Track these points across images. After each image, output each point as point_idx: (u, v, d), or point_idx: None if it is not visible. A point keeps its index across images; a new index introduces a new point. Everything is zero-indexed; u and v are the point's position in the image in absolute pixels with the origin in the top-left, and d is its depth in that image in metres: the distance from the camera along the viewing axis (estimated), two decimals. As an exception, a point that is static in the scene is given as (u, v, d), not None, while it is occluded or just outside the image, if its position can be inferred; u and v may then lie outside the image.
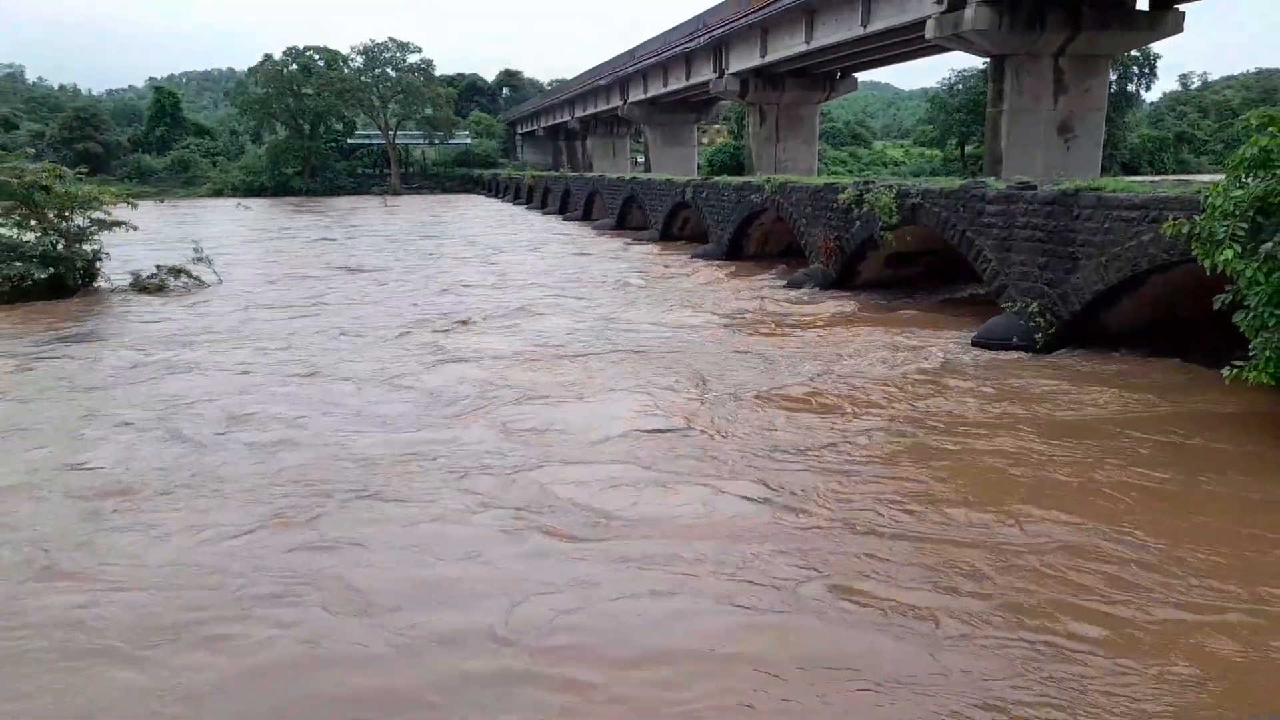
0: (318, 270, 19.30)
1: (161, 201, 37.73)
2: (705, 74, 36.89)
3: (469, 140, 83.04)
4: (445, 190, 72.30)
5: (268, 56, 72.51)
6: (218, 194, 64.18)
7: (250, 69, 75.14)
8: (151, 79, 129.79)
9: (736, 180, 21.12)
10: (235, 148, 77.73)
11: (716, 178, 23.41)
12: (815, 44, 27.79)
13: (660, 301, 14.10)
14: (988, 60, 22.16)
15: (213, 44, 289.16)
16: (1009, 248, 10.90)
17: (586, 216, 35.25)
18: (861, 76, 37.10)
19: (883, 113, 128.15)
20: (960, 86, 65.43)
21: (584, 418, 7.57)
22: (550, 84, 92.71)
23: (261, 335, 11.56)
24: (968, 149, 65.90)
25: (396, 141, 75.99)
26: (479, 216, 40.31)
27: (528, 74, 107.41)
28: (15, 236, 14.70)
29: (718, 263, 19.22)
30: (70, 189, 15.21)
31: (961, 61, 65.16)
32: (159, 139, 74.63)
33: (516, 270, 18.82)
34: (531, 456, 6.57)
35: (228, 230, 32.38)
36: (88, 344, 11.13)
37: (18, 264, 14.51)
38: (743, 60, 33.43)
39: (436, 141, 78.61)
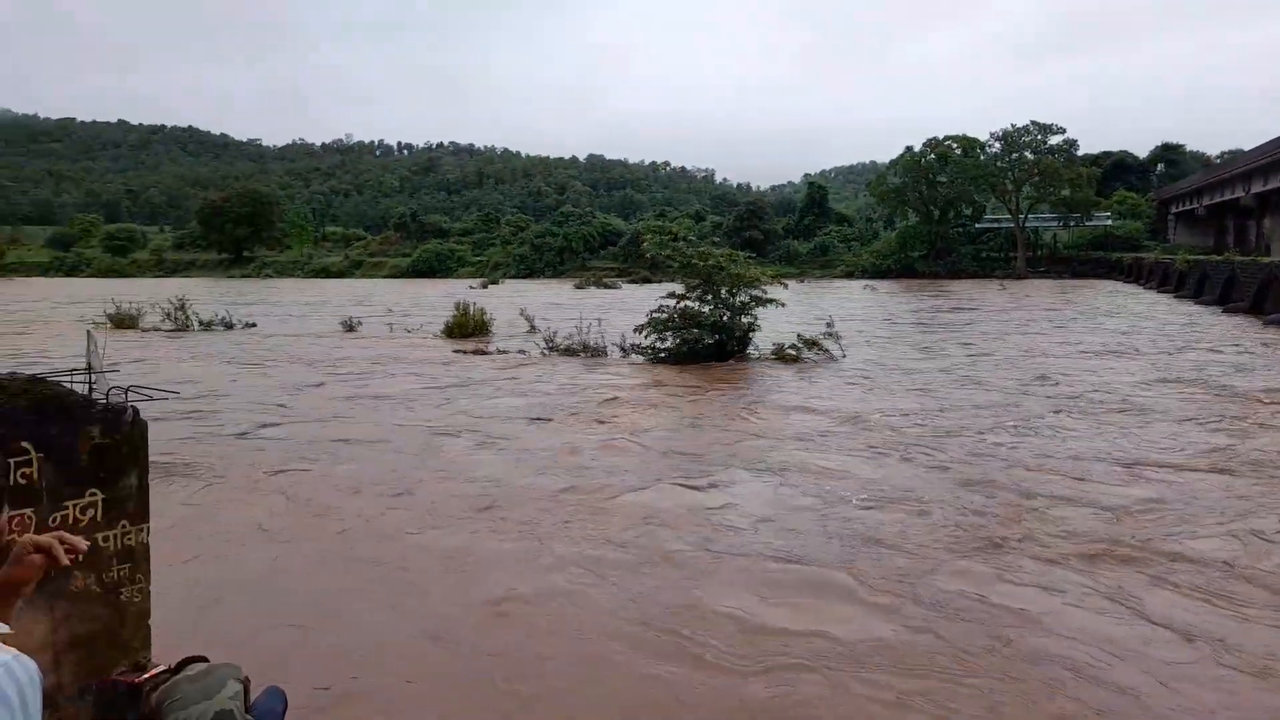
0: (923, 358, 19.75)
1: (801, 281, 43.28)
2: None
3: (1109, 221, 76.39)
4: (1074, 274, 67.52)
5: (908, 148, 77.39)
6: (849, 275, 70.22)
7: (890, 161, 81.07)
8: (806, 175, 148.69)
9: None
10: (869, 233, 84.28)
11: None
12: None
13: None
14: None
15: (859, 141, 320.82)
16: None
17: (1256, 308, 29.50)
18: None
19: None
20: None
21: None
22: (1219, 157, 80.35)
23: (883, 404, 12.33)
24: None
25: (1026, 224, 73.87)
26: (1115, 305, 36.64)
27: (1191, 147, 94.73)
28: (697, 308, 18.23)
29: None
30: (740, 270, 18.34)
31: None
32: (806, 227, 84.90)
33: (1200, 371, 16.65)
34: None
35: (852, 308, 35.20)
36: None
37: (695, 330, 18.00)
38: None
39: (1072, 224, 74.27)
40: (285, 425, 11.04)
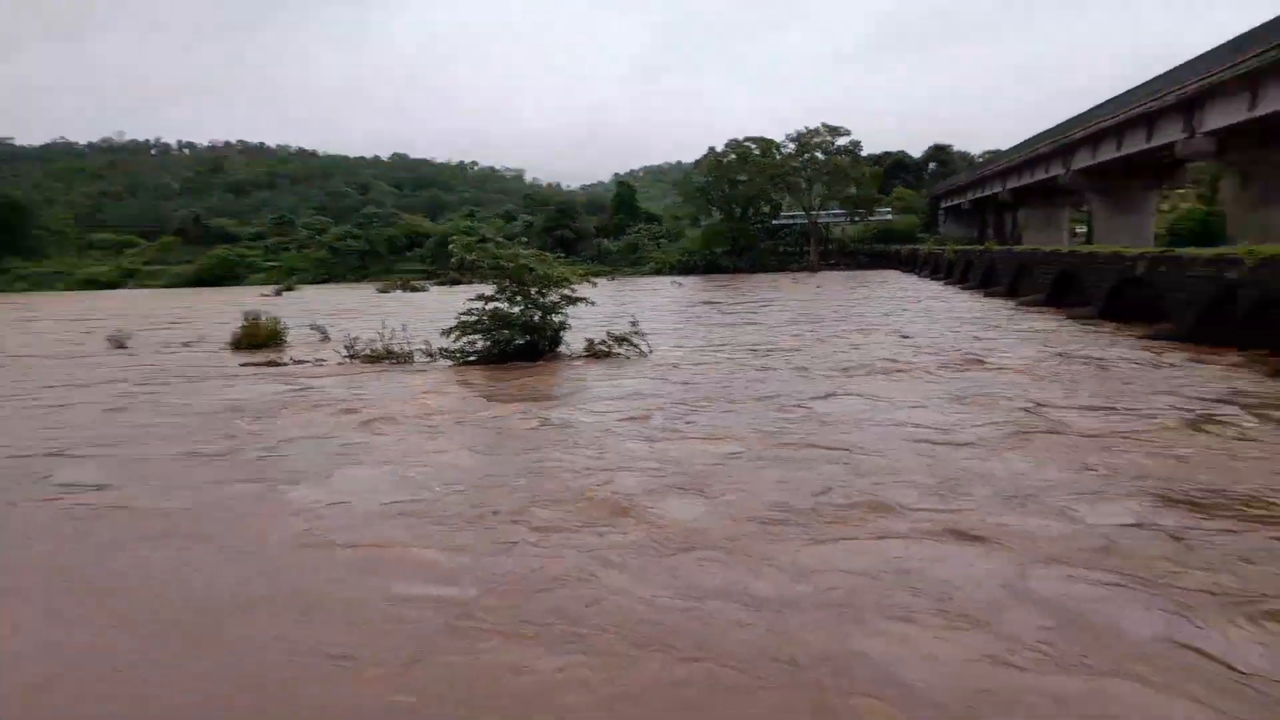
0: (726, 345, 20.49)
1: (612, 279, 43.91)
2: (1171, 135, 32.64)
3: (889, 216, 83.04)
4: (861, 266, 72.82)
5: (711, 149, 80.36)
6: (658, 272, 71.92)
7: (695, 161, 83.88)
8: (616, 174, 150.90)
9: (1207, 252, 18.16)
10: (676, 231, 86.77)
11: (1178, 250, 20.33)
12: (1326, 90, 23.13)
13: (1122, 395, 12.50)
14: None
15: (668, 142, 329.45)
16: None
17: (1011, 292, 32.90)
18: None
19: None
20: None
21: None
22: (980, 157, 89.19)
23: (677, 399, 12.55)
24: None
25: (818, 220, 78.72)
26: (901, 293, 39.70)
27: (957, 148, 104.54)
28: (506, 309, 17.87)
29: (1181, 347, 16.58)
30: (550, 270, 18.16)
31: None
32: (616, 226, 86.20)
33: (980, 347, 18.12)
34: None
35: (660, 304, 36.01)
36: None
37: (505, 331, 17.64)
38: (1222, 117, 29.00)
39: (857, 219, 79.96)
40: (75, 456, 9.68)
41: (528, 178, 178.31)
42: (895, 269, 66.58)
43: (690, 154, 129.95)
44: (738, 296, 40.93)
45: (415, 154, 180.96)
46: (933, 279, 49.82)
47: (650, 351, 18.00)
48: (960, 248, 49.74)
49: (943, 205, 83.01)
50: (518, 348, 17.61)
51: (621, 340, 18.04)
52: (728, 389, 13.42)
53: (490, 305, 17.85)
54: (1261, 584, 5.36)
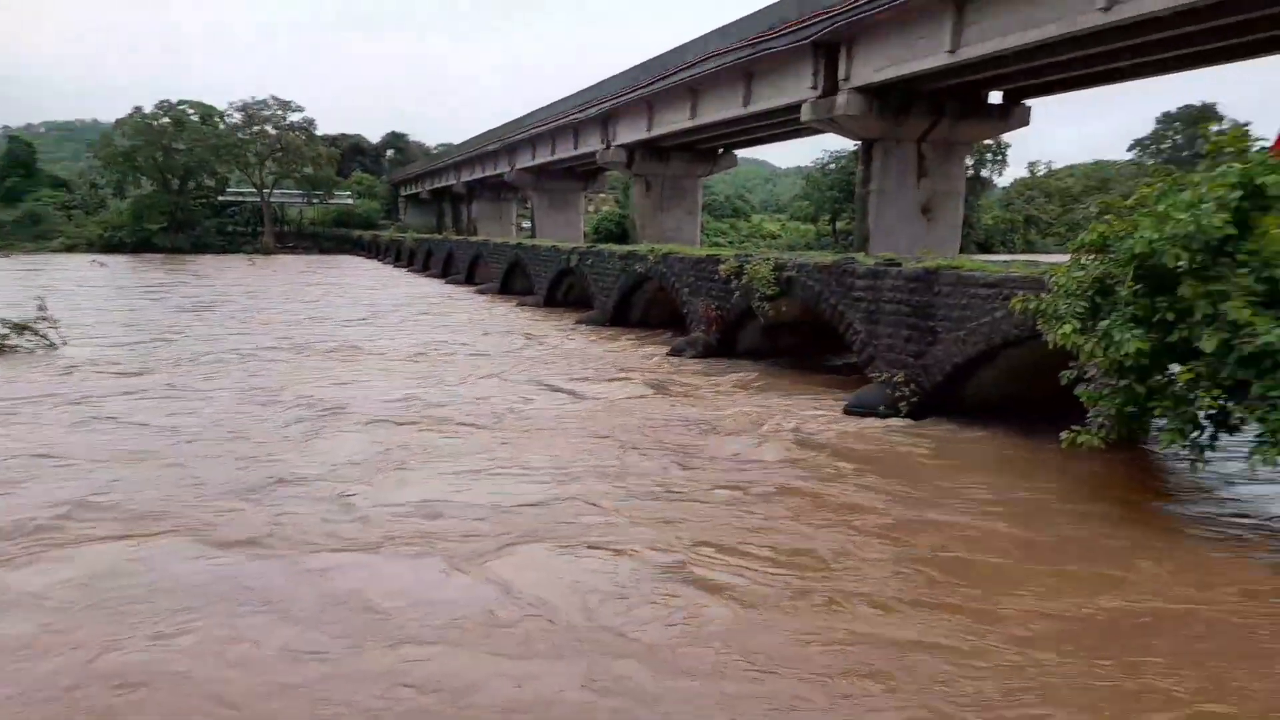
0: (164, 329, 18.31)
1: (8, 256, 35.47)
2: (593, 144, 37.67)
3: (350, 200, 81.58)
4: (322, 250, 70.51)
5: (137, 109, 69.61)
6: (71, 249, 60.26)
7: (117, 120, 71.80)
8: (6, 128, 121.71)
9: (621, 249, 21.46)
10: (95, 201, 73.61)
11: (602, 245, 23.74)
12: (699, 121, 28.87)
13: (542, 366, 14.01)
14: (859, 143, 23.53)
15: (78, 95, 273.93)
16: (876, 321, 11.43)
17: (469, 280, 35.02)
18: (742, 153, 38.78)
19: (761, 188, 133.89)
20: (833, 166, 69.41)
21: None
22: (436, 148, 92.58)
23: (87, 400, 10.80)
24: (839, 224, 69.69)
25: (272, 200, 73.90)
26: (358, 279, 39.33)
27: (414, 137, 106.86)
28: None
29: (602, 329, 19.37)
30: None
31: (834, 143, 69.22)
32: (9, 190, 69.87)
33: (401, 335, 18.38)
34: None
35: (77, 289, 30.36)
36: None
37: None
38: (630, 133, 34.34)
39: (316, 201, 76.97)
40: None
41: None
42: (359, 254, 65.86)
43: (112, 112, 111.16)
44: (177, 280, 36.41)
45: None
46: (396, 266, 50.47)
47: (64, 343, 15.09)
48: (421, 236, 51.16)
49: (404, 193, 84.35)
50: None
51: (23, 329, 14.80)
52: (119, 387, 11.92)
53: None
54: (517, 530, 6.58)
